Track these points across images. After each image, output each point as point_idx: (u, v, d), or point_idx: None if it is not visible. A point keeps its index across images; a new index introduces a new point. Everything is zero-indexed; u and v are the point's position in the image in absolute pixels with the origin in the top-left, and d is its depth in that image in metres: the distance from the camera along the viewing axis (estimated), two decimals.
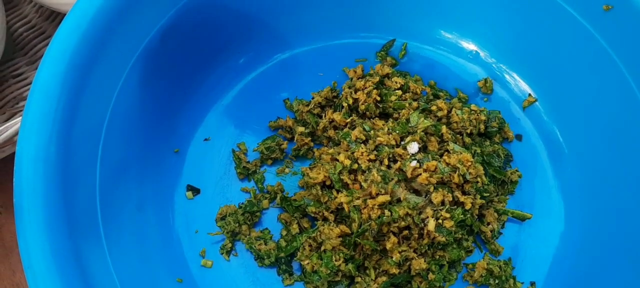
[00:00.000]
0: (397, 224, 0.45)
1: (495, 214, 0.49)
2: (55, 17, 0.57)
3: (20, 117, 0.43)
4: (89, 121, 0.41)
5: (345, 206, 0.45)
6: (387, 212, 0.44)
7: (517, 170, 0.51)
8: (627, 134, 0.47)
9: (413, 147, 0.48)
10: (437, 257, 0.46)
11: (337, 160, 0.47)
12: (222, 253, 0.48)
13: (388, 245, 0.44)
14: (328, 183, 0.48)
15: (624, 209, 0.46)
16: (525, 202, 0.51)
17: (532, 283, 0.48)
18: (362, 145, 0.48)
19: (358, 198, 0.45)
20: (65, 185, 0.38)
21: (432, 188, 0.46)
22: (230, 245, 0.48)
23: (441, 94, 0.54)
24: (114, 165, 0.43)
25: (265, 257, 0.47)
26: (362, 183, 0.46)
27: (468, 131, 0.51)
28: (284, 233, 0.48)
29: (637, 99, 0.46)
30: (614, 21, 0.47)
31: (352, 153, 0.47)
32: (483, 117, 0.51)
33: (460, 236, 0.46)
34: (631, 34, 0.46)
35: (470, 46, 0.56)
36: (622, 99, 0.47)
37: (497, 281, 0.47)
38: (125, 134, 0.45)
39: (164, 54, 0.48)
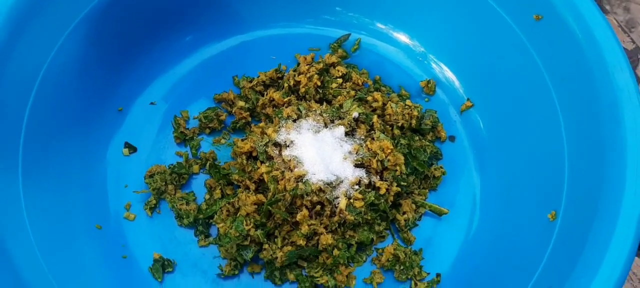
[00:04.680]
0: (309, 199, 0.46)
1: (413, 205, 0.51)
2: None
3: None
4: (24, 65, 0.44)
5: (265, 176, 0.47)
6: (301, 185, 0.46)
7: (441, 167, 0.53)
8: (541, 150, 0.48)
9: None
10: (347, 236, 0.48)
11: (265, 133, 0.50)
12: (145, 209, 0.50)
13: (299, 217, 0.46)
14: (255, 154, 0.50)
15: (528, 217, 0.47)
16: (446, 199, 0.52)
17: (438, 275, 0.49)
18: (292, 122, 0.50)
19: (277, 169, 0.47)
20: None
21: (349, 170, 0.48)
22: (154, 202, 0.50)
23: (383, 88, 0.56)
24: (46, 109, 0.46)
25: (185, 217, 0.49)
26: (284, 157, 0.48)
27: (399, 124, 0.52)
28: (207, 197, 0.51)
29: (556, 108, 0.47)
30: (542, 31, 0.48)
31: (280, 128, 0.50)
32: (416, 113, 0.53)
33: (370, 218, 0.48)
34: (555, 44, 0.47)
35: (416, 45, 0.58)
36: (544, 108, 0.48)
37: (402, 267, 0.48)
38: (64, 84, 0.48)
39: (111, 18, 0.50)
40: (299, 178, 0.47)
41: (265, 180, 0.47)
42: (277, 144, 0.49)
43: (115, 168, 0.51)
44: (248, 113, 0.54)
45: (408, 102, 0.54)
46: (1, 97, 0.42)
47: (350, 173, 0.48)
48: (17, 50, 0.43)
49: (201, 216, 0.49)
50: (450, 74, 0.57)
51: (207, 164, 0.52)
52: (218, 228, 0.48)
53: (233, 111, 0.54)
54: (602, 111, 0.43)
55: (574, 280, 0.39)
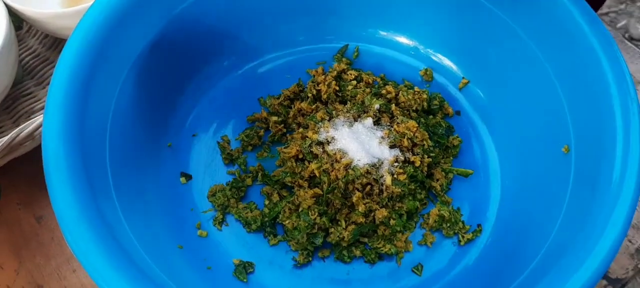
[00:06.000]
0: (359, 181, 0.54)
1: (443, 172, 0.59)
2: (57, 45, 0.66)
3: (38, 117, 0.52)
4: (97, 118, 0.49)
5: (316, 172, 0.54)
6: (351, 171, 0.53)
7: (457, 137, 0.61)
8: (539, 98, 0.57)
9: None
10: (397, 207, 0.55)
11: (307, 137, 0.57)
12: (215, 224, 0.56)
13: (354, 199, 0.53)
14: (300, 157, 0.57)
15: (543, 157, 0.56)
16: (468, 162, 0.60)
17: (479, 225, 0.57)
18: (327, 121, 0.57)
19: (326, 163, 0.54)
20: (85, 161, 0.46)
21: (386, 151, 0.55)
22: (221, 216, 0.56)
23: (390, 83, 0.64)
24: (118, 156, 0.51)
25: (252, 223, 0.55)
26: (329, 152, 0.55)
27: (414, 108, 0.60)
28: (267, 202, 0.57)
29: (543, 63, 0.57)
30: (518, 7, 0.58)
31: (319, 128, 0.57)
32: (425, 96, 0.61)
33: (413, 188, 0.56)
34: (532, 15, 0.57)
35: (411, 43, 0.67)
36: (533, 66, 0.58)
37: (448, 224, 0.56)
38: (126, 130, 0.53)
39: (154, 62, 0.57)
40: (347, 166, 0.54)
41: (317, 175, 0.54)
42: (319, 143, 0.56)
43: (179, 196, 0.57)
44: (282, 125, 0.61)
45: (416, 88, 0.62)
46: (89, 142, 0.47)
47: (388, 154, 0.55)
48: (89, 104, 0.49)
49: (267, 219, 0.55)
50: (444, 60, 0.66)
51: (259, 175, 0.58)
52: (285, 225, 0.55)
53: (269, 127, 0.61)
54: (582, 55, 0.53)
55: (599, 204, 0.47)
